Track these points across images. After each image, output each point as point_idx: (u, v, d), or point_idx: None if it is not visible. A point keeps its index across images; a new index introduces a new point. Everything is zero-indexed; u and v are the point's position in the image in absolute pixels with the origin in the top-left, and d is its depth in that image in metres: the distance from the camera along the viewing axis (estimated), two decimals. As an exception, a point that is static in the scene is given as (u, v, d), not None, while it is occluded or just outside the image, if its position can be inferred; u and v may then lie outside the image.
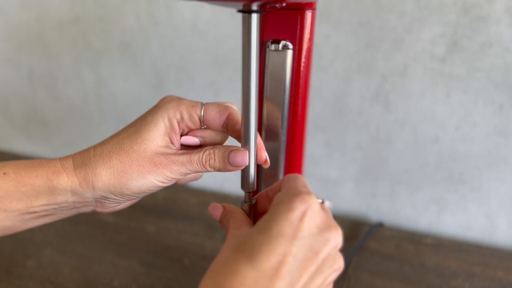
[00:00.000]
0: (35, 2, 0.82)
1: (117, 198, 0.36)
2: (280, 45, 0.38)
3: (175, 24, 0.74)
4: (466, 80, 0.62)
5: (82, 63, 0.84)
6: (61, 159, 0.36)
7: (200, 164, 0.36)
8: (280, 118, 0.40)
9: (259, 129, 0.42)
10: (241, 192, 0.38)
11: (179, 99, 0.38)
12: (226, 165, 0.36)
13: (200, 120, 0.37)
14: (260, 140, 0.38)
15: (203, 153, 0.36)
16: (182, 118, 0.37)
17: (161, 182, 0.36)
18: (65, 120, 0.90)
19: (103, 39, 0.80)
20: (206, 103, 0.38)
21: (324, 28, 0.66)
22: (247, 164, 0.36)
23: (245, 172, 0.36)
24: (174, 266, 0.60)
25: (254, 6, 0.30)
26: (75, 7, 0.80)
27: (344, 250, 0.64)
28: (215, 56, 0.74)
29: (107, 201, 0.37)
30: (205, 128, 0.38)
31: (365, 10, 0.63)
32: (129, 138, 0.36)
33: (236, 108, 0.39)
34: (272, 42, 0.38)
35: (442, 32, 0.60)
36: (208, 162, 0.36)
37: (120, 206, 0.39)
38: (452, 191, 0.68)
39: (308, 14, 0.37)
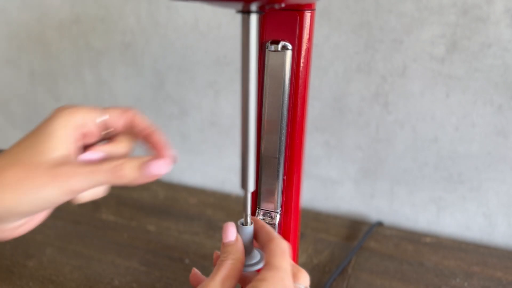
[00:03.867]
0: (36, 2, 0.83)
1: (13, 217, 0.33)
2: (280, 46, 0.38)
3: (176, 24, 0.74)
4: (465, 81, 0.62)
5: (82, 63, 0.84)
6: None
7: (109, 176, 0.32)
8: (280, 118, 0.40)
9: (259, 129, 0.42)
10: (241, 192, 0.38)
11: (75, 106, 0.35)
12: (139, 176, 0.33)
13: (99, 127, 0.35)
14: (163, 140, 0.36)
15: (113, 164, 0.33)
16: (82, 124, 0.35)
17: (63, 194, 0.32)
18: (65, 120, 0.90)
19: (104, 39, 0.81)
20: (107, 108, 0.36)
21: (324, 28, 0.66)
22: (163, 174, 0.34)
23: (244, 171, 0.37)
24: (175, 266, 0.60)
25: (253, 7, 0.30)
26: (75, 7, 0.80)
27: (344, 250, 0.64)
28: (216, 56, 0.74)
29: (3, 223, 0.33)
30: (107, 143, 0.36)
31: (365, 10, 0.63)
32: (27, 149, 0.33)
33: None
34: (272, 43, 0.38)
35: (441, 33, 0.61)
36: (118, 173, 0.33)
37: (23, 227, 0.35)
38: (451, 191, 0.68)
39: (307, 14, 0.37)
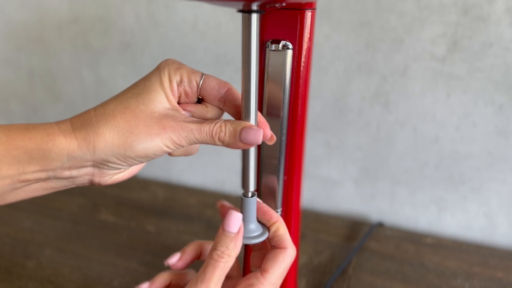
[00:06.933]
0: (35, 2, 0.82)
1: (119, 162, 0.34)
2: (280, 45, 0.38)
3: (175, 24, 0.74)
4: (466, 80, 0.62)
5: (82, 63, 0.84)
6: (57, 122, 0.34)
7: (209, 136, 0.34)
8: (280, 118, 0.40)
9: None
10: (241, 192, 0.38)
11: (180, 63, 0.37)
12: (236, 141, 0.34)
13: (197, 88, 0.36)
14: (263, 118, 0.37)
15: (214, 125, 0.34)
16: (181, 81, 0.35)
17: (167, 146, 0.34)
18: (65, 120, 0.90)
19: (103, 39, 0.80)
20: (207, 74, 0.37)
21: (324, 28, 0.66)
22: (259, 143, 0.34)
23: (245, 171, 0.36)
24: (174, 266, 0.60)
25: (254, 6, 0.30)
26: (75, 7, 0.80)
27: (344, 250, 0.64)
28: (215, 56, 0.74)
29: (106, 167, 0.34)
30: (196, 103, 0.37)
31: (365, 10, 0.63)
32: (134, 97, 0.34)
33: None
34: (272, 42, 0.38)
35: (442, 32, 0.60)
36: (218, 134, 0.34)
37: (120, 175, 0.37)
38: (452, 191, 0.68)
39: (308, 14, 0.37)
